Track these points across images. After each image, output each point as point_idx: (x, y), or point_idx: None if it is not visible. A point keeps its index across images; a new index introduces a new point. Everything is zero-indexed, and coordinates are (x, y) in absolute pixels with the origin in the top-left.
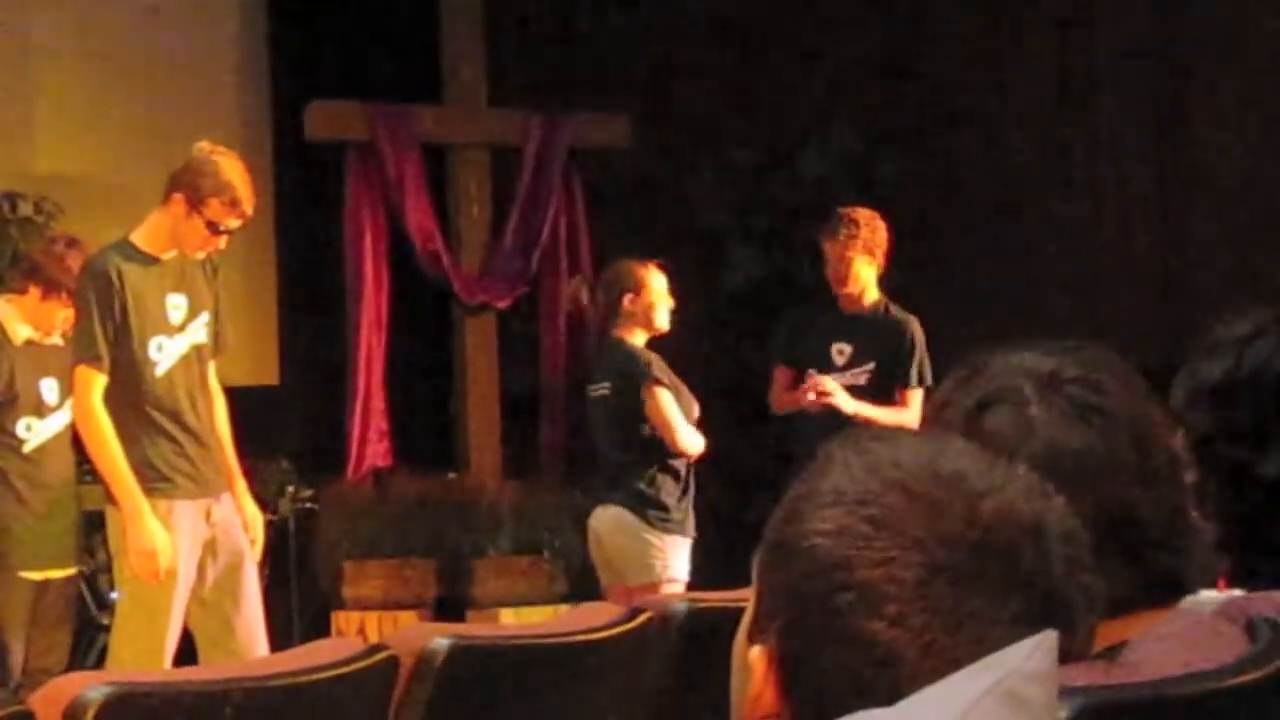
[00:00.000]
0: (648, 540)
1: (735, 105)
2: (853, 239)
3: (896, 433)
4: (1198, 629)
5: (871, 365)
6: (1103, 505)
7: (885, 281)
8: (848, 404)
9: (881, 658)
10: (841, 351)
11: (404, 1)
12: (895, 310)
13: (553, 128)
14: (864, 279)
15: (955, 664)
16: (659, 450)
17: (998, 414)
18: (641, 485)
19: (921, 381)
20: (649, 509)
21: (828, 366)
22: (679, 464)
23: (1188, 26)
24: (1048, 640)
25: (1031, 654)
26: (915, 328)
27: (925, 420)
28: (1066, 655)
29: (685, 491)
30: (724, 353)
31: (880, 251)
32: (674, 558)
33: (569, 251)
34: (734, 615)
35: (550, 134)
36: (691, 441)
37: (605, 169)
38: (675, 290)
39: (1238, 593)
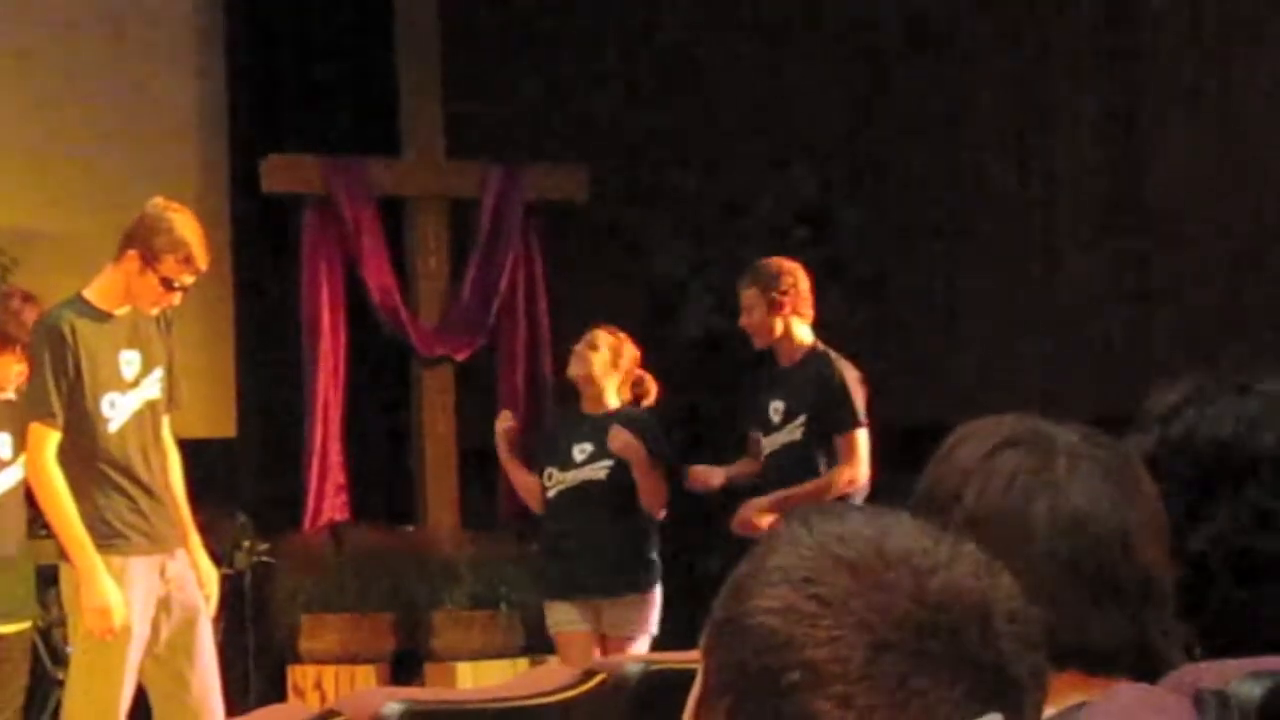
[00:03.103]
0: None
1: (692, 156)
2: (760, 291)
3: (843, 508)
4: (1145, 703)
5: (803, 418)
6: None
7: (827, 327)
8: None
9: None
10: (777, 410)
11: (362, 54)
12: (821, 355)
13: (511, 179)
14: (782, 331)
15: None
16: None
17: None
18: None
19: (857, 423)
20: None
21: (769, 427)
22: None
23: (1143, 75)
24: None
25: None
26: (841, 368)
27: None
28: None
29: None
30: (680, 405)
31: (788, 300)
32: None
33: (527, 303)
34: (689, 676)
35: (508, 186)
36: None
37: (563, 220)
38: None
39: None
